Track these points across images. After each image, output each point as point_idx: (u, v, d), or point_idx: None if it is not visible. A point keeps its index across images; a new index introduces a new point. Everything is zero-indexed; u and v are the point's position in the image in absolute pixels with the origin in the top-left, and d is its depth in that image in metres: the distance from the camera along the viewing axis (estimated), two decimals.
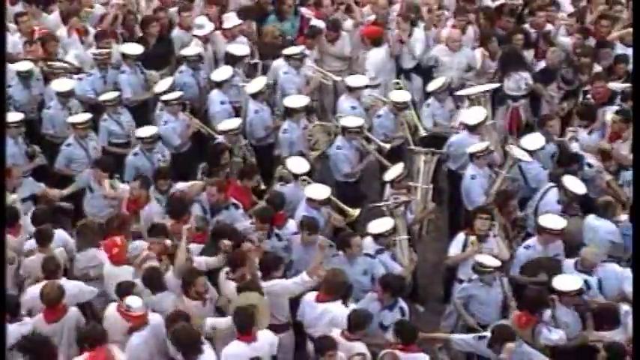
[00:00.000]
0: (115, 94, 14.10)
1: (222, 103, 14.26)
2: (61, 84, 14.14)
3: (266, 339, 10.21)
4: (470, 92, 14.08)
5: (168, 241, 11.38)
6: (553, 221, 11.77)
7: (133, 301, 10.26)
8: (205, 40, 15.38)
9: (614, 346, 10.34)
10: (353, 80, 14.45)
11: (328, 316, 10.62)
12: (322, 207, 12.31)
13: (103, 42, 15.07)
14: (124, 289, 10.50)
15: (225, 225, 11.68)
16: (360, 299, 11.15)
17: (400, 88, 14.65)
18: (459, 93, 14.32)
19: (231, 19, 15.70)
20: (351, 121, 13.55)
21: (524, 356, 10.41)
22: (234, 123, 13.57)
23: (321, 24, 15.92)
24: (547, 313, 10.78)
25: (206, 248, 11.38)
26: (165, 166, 13.06)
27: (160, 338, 10.24)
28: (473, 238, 11.83)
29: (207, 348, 9.95)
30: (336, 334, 10.31)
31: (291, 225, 12.10)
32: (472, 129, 13.42)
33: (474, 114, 13.60)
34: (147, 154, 13.29)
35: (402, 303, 11.01)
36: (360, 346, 10.26)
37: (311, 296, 10.82)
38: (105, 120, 13.92)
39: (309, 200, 12.26)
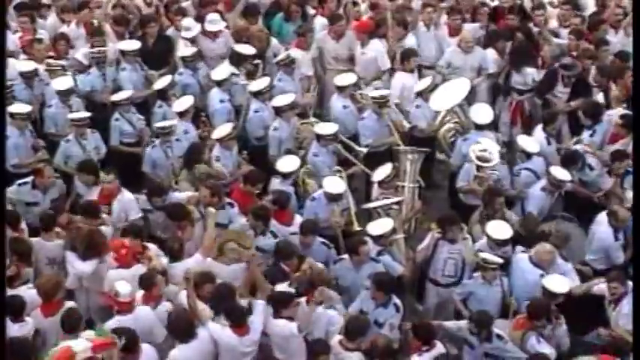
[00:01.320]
0: (128, 93, 14.20)
1: (221, 101, 14.36)
2: (60, 82, 14.19)
3: (257, 330, 10.29)
4: (447, 107, 14.15)
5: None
6: (498, 231, 11.81)
7: (122, 287, 10.37)
8: (192, 41, 15.51)
9: None
10: (341, 79, 14.55)
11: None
12: (334, 203, 12.48)
13: (96, 39, 15.13)
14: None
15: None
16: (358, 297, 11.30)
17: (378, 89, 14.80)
18: (435, 108, 14.23)
19: (216, 23, 15.74)
20: (324, 127, 13.66)
21: (502, 352, 10.75)
22: (227, 128, 13.59)
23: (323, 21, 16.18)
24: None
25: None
26: (157, 182, 12.95)
27: (144, 327, 10.30)
28: (432, 225, 12.04)
29: (202, 331, 10.12)
30: (334, 341, 10.40)
31: (299, 223, 12.14)
32: (481, 127, 13.72)
33: (483, 112, 13.87)
34: (163, 147, 13.40)
35: (396, 299, 11.13)
36: (358, 357, 10.35)
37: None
38: (117, 120, 14.01)
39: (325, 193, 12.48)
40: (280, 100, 13.99)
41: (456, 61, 15.48)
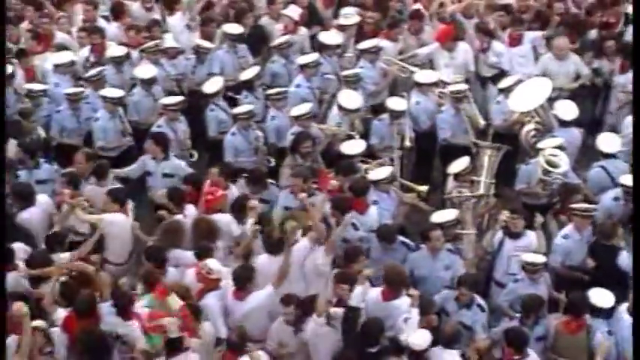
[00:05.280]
0: (219, 85, 14.40)
1: (297, 86, 14.66)
2: (144, 70, 14.60)
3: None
4: (528, 108, 13.93)
5: None
6: (583, 205, 11.89)
7: (214, 264, 10.83)
8: (295, 24, 15.97)
9: None
10: (421, 76, 14.67)
11: (397, 312, 10.66)
12: (390, 187, 12.63)
13: (209, 26, 15.84)
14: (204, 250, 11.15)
15: None
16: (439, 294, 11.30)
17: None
18: (515, 108, 14.02)
19: (351, 17, 16.13)
20: (301, 108, 13.82)
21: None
22: (306, 107, 13.83)
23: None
24: None
25: None
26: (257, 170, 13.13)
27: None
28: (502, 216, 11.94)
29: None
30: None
31: (373, 213, 12.19)
32: (566, 124, 13.68)
33: (567, 109, 13.81)
34: (243, 133, 13.66)
35: (480, 300, 11.11)
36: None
37: (374, 293, 10.86)
38: (212, 110, 14.24)
39: (375, 183, 12.53)
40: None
41: (552, 68, 15.33)
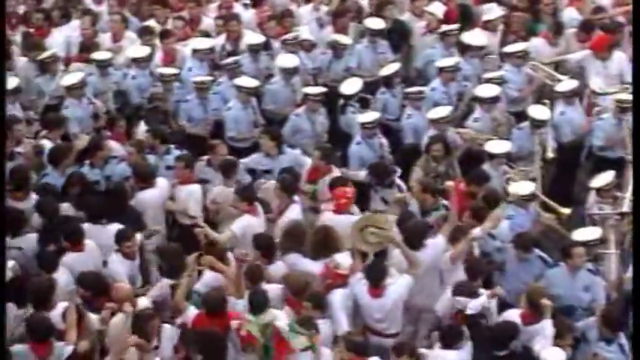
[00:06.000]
0: (358, 87, 14.08)
1: (432, 89, 14.27)
2: (287, 59, 14.44)
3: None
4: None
5: None
6: None
7: (343, 259, 10.57)
8: (438, 22, 15.61)
9: None
10: (562, 85, 14.15)
11: (536, 336, 10.19)
12: (529, 204, 12.14)
13: (337, 22, 15.58)
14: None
15: None
16: (579, 317, 10.88)
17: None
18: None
19: (493, 11, 15.90)
20: (439, 111, 13.55)
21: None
22: (445, 110, 13.57)
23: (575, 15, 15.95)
24: None
25: None
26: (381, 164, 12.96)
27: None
28: None
29: None
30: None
31: (504, 227, 11.68)
32: None
33: None
34: (368, 142, 13.28)
35: (623, 339, 10.48)
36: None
37: (513, 315, 10.46)
38: (354, 112, 13.93)
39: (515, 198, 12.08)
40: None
41: None
